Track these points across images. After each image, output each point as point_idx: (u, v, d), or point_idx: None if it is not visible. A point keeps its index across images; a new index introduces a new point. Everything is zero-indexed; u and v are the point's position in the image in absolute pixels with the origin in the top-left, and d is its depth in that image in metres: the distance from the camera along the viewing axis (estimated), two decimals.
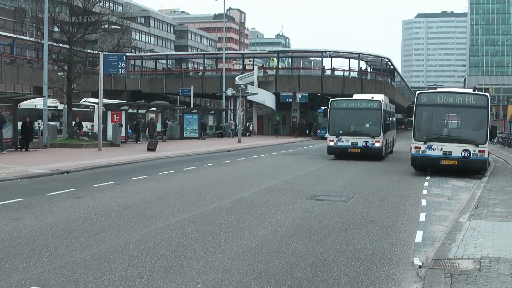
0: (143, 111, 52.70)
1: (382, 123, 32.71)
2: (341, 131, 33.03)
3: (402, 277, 9.09)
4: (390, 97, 79.56)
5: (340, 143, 32.90)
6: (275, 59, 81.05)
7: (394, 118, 45.80)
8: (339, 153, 33.63)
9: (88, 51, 55.31)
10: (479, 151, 23.99)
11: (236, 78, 70.49)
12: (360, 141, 32.57)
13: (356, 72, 75.72)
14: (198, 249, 10.41)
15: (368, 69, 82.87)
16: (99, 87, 37.24)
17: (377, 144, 32.57)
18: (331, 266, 9.53)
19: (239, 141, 51.35)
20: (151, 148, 37.01)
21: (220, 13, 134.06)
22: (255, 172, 25.04)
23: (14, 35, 68.62)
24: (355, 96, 38.09)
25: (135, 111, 50.54)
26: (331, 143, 33.20)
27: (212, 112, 69.95)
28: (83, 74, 46.67)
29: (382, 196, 18.15)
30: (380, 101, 33.47)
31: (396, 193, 19.07)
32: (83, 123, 47.50)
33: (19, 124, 34.45)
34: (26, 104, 41.80)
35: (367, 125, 33.38)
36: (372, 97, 35.07)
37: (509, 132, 58.93)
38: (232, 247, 10.68)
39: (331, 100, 34.39)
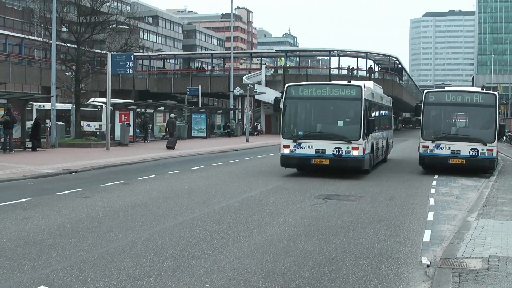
0: (151, 110, 52.78)
1: (363, 120, 22.35)
2: (300, 133, 23.10)
3: (410, 276, 9.07)
4: (398, 96, 79.65)
5: (299, 151, 22.77)
6: (282, 58, 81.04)
7: (391, 114, 35.59)
8: (299, 166, 24.18)
9: (96, 51, 55.53)
10: (487, 150, 23.92)
11: (244, 78, 70.57)
12: (329, 147, 22.34)
13: (364, 71, 75.63)
14: (206, 249, 10.42)
15: (376, 68, 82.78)
16: (107, 86, 37.32)
17: (355, 152, 22.14)
18: (339, 265, 9.53)
19: (247, 141, 51.33)
20: (171, 147, 37.60)
21: (228, 13, 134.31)
22: (263, 171, 25.03)
23: (23, 35, 68.86)
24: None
25: (143, 110, 50.61)
26: (286, 151, 23.06)
27: (220, 111, 69.97)
28: (91, 74, 46.78)
29: (390, 195, 18.13)
30: (359, 87, 22.87)
31: (404, 192, 19.04)
32: (91, 123, 47.62)
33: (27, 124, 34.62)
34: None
35: (340, 123, 23.30)
36: (349, 81, 24.84)
37: None
38: (240, 246, 10.68)
39: (287, 85, 24.16)
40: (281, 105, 23.52)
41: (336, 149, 22.25)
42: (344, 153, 22.21)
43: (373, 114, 25.54)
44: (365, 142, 22.74)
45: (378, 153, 27.28)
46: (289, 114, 23.76)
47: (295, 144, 22.82)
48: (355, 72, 75.23)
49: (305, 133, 23.11)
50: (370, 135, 23.65)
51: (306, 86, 24.24)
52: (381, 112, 29.55)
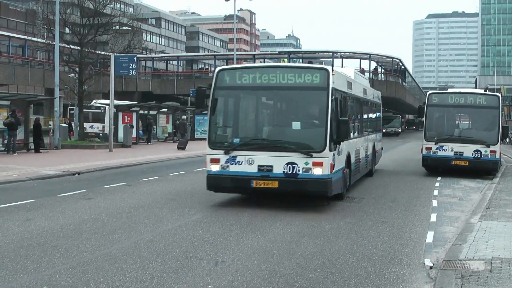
0: (154, 112, 52.82)
1: (330, 120, 14.87)
2: (236, 140, 15.60)
3: (412, 278, 9.07)
4: (401, 98, 79.55)
5: (233, 168, 15.24)
6: (285, 60, 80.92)
7: (380, 113, 28.33)
8: (233, 189, 16.19)
9: (99, 52, 55.59)
10: (491, 151, 23.91)
11: None
12: (278, 163, 14.84)
13: (368, 73, 75.55)
14: (209, 250, 10.43)
15: (379, 69, 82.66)
16: (110, 88, 37.34)
17: (317, 171, 14.67)
18: (342, 267, 9.53)
19: None
20: (181, 147, 38.02)
21: (231, 14, 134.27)
22: None
23: (26, 37, 68.90)
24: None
25: (146, 112, 50.67)
26: (215, 167, 15.47)
27: None
28: (94, 75, 46.83)
29: (393, 197, 18.12)
30: (325, 71, 15.32)
31: (407, 194, 19.02)
32: (94, 125, 47.73)
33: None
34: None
35: (296, 125, 15.78)
36: (311, 63, 18.68)
37: None
38: (242, 248, 10.69)
39: (218, 69, 16.37)
40: (210, 99, 15.95)
41: (289, 165, 14.70)
42: (300, 172, 14.66)
43: (349, 112, 18.55)
44: (333, 155, 15.20)
45: (359, 167, 20.21)
46: (221, 113, 16.39)
47: (227, 157, 15.22)
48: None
49: (243, 140, 15.56)
50: (342, 143, 16.02)
51: (247, 70, 16.38)
52: (363, 109, 22.50)
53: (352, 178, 18.76)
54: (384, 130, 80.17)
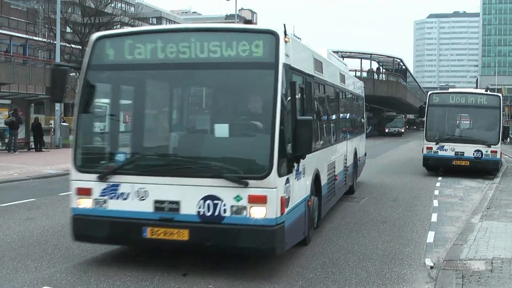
0: None
1: (279, 123, 8.23)
2: (120, 157, 9.44)
3: (413, 277, 9.07)
4: (402, 97, 79.44)
5: (114, 204, 8.85)
6: None
7: (363, 109, 22.29)
8: (113, 239, 9.19)
9: None
10: (491, 151, 23.90)
11: None
12: (190, 197, 8.44)
13: (372, 72, 75.45)
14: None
15: (380, 69, 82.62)
16: None
17: (258, 213, 8.22)
18: (342, 266, 9.52)
19: None
20: None
21: (232, 14, 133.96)
22: None
23: (27, 36, 68.82)
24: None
25: None
26: (84, 202, 9.25)
27: None
28: None
29: (394, 197, 18.11)
30: (274, 36, 8.51)
31: (407, 194, 19.01)
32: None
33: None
34: None
35: (221, 132, 9.10)
36: (249, 23, 7.68)
37: None
38: None
39: (95, 36, 9.91)
40: (79, 85, 9.93)
41: (209, 201, 8.47)
42: (227, 214, 8.40)
43: (317, 108, 11.92)
44: (287, 181, 8.78)
45: (334, 188, 13.86)
46: (97, 109, 10.39)
47: (105, 186, 9.06)
48: (366, 74, 74.93)
49: (131, 157, 9.53)
50: (303, 159, 9.33)
51: (144, 37, 9.48)
52: (341, 103, 15.75)
53: (324, 208, 12.51)
54: (386, 130, 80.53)
